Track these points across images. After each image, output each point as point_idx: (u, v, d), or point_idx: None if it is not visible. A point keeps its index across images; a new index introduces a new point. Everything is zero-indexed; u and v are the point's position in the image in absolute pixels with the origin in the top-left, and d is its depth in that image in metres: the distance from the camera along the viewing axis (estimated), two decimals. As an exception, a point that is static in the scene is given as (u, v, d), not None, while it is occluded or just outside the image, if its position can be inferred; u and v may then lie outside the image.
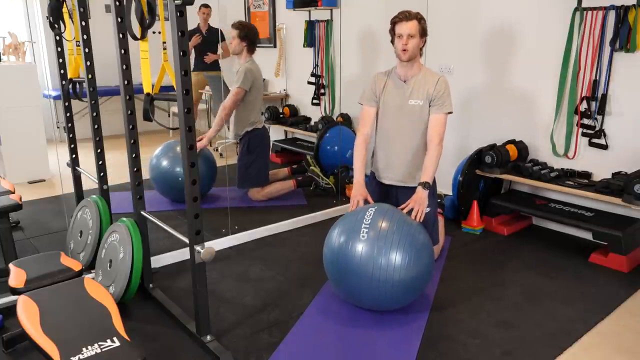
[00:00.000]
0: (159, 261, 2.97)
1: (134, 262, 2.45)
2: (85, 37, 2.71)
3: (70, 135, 3.15)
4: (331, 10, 4.93)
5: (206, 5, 5.94)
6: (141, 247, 2.50)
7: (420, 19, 2.74)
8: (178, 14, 1.86)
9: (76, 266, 2.26)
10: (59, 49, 3.05)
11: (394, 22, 2.77)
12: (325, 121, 5.02)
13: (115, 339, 1.61)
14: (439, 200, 3.21)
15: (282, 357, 2.19)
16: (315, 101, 5.42)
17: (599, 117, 3.24)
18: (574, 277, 2.89)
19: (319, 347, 2.25)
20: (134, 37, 2.30)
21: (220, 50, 6.08)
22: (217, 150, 5.72)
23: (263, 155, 4.11)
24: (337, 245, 2.42)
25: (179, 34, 1.88)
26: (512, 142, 3.63)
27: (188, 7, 1.86)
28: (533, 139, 3.63)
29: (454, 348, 2.25)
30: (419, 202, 2.62)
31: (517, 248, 3.29)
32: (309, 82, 5.40)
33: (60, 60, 3.06)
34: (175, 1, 1.83)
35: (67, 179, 3.33)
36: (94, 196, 2.89)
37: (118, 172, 3.55)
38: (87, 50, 2.72)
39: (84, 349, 1.55)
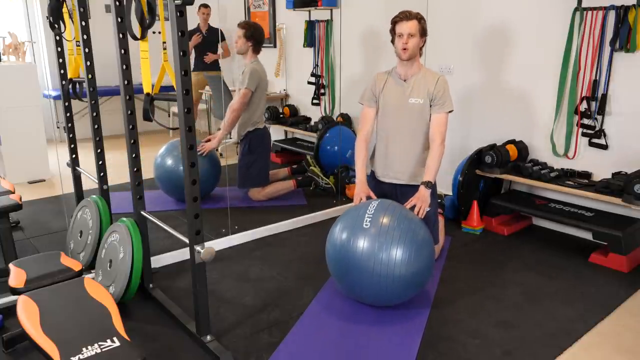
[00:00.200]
0: (159, 261, 2.98)
1: (134, 262, 2.45)
2: (85, 37, 2.72)
3: (70, 135, 3.15)
4: (331, 10, 4.93)
5: (206, 5, 5.93)
6: (141, 247, 2.50)
7: (420, 18, 2.79)
8: (178, 14, 1.86)
9: (76, 266, 2.26)
10: (59, 49, 3.05)
11: (394, 22, 2.81)
12: (325, 121, 5.02)
13: (115, 339, 1.61)
14: (439, 200, 3.22)
15: (282, 357, 2.19)
16: (315, 101, 5.42)
17: (599, 117, 3.24)
18: (574, 277, 2.89)
19: (319, 347, 2.25)
20: (134, 37, 2.30)
21: (220, 50, 6.08)
22: (217, 150, 5.70)
23: (264, 155, 4.11)
24: (340, 241, 2.44)
25: (179, 34, 1.89)
26: (512, 142, 3.63)
27: (188, 7, 1.86)
28: (533, 139, 3.63)
29: (454, 348, 2.25)
30: (422, 200, 2.66)
31: (517, 248, 3.29)
32: (309, 82, 5.40)
33: (60, 60, 3.06)
34: (175, 1, 1.83)
35: (67, 179, 3.32)
36: (94, 196, 2.89)
37: (118, 172, 3.55)
38: (87, 50, 2.72)
39: (84, 349, 1.55)
